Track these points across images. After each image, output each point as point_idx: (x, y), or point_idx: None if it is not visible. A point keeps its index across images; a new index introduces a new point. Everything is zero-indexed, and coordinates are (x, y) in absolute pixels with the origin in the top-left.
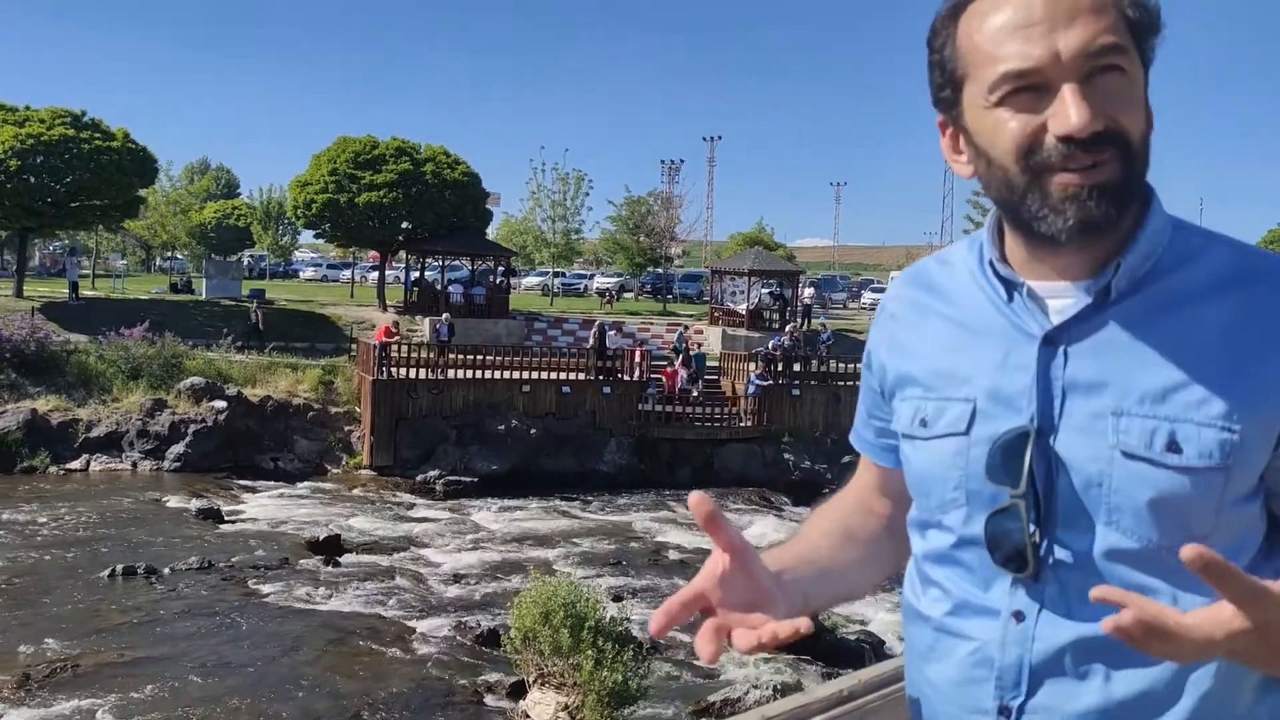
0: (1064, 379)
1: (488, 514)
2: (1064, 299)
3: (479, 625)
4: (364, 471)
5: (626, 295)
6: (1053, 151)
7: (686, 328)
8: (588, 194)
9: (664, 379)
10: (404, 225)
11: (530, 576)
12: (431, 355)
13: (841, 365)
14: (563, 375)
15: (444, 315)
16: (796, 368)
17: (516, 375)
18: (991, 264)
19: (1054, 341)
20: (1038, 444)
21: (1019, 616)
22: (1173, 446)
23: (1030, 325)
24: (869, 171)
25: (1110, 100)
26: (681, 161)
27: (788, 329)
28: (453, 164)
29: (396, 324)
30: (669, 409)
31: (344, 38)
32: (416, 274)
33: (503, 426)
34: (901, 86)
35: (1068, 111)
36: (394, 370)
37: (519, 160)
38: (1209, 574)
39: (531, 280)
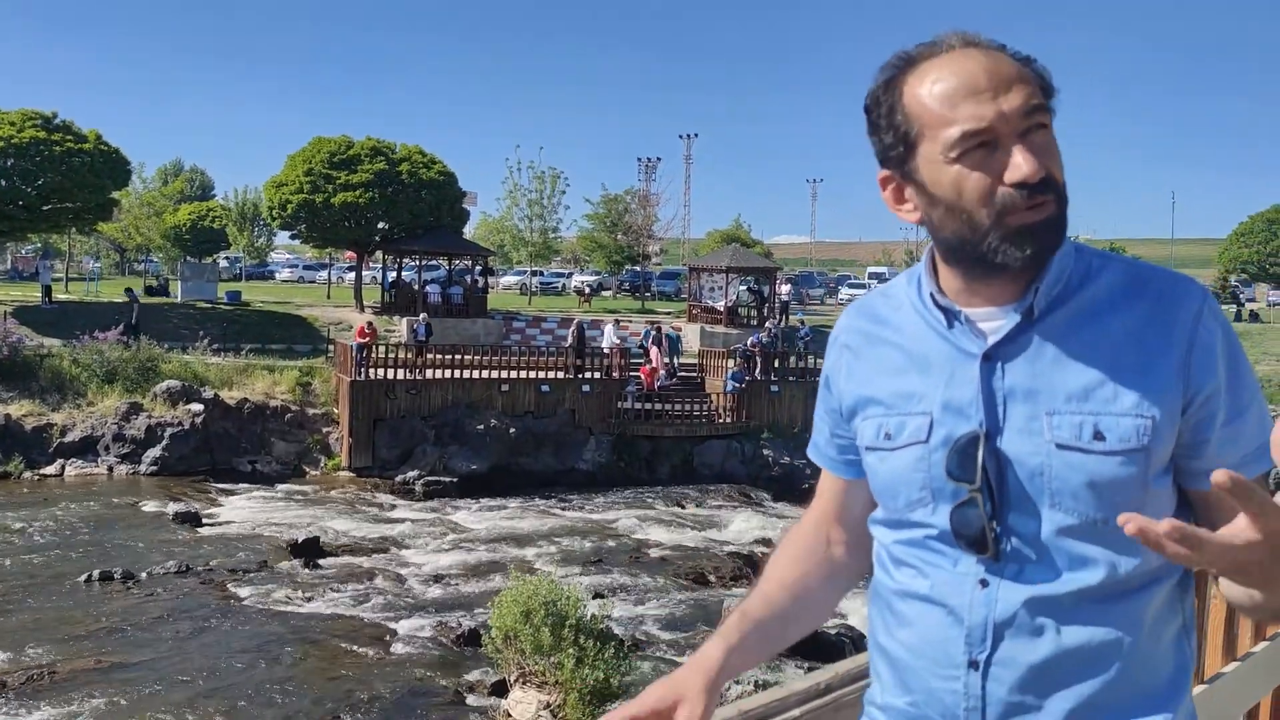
0: (1004, 389)
1: (468, 514)
2: (995, 321)
3: (460, 625)
4: (343, 473)
5: (605, 293)
6: (1011, 196)
7: (658, 326)
8: (564, 192)
9: (642, 377)
10: (380, 225)
11: (510, 576)
12: (409, 355)
13: (820, 361)
14: (542, 374)
15: (421, 315)
16: (775, 364)
17: (495, 375)
18: (932, 296)
19: (991, 358)
20: (987, 445)
21: (984, 584)
22: (1098, 435)
23: (970, 346)
24: (845, 168)
25: (1044, 153)
26: (659, 159)
27: (766, 325)
28: (429, 163)
29: (372, 324)
30: (648, 406)
31: (318, 38)
32: (393, 274)
33: (482, 426)
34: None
35: (1020, 162)
36: (372, 371)
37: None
38: (1236, 494)
39: (509, 279)
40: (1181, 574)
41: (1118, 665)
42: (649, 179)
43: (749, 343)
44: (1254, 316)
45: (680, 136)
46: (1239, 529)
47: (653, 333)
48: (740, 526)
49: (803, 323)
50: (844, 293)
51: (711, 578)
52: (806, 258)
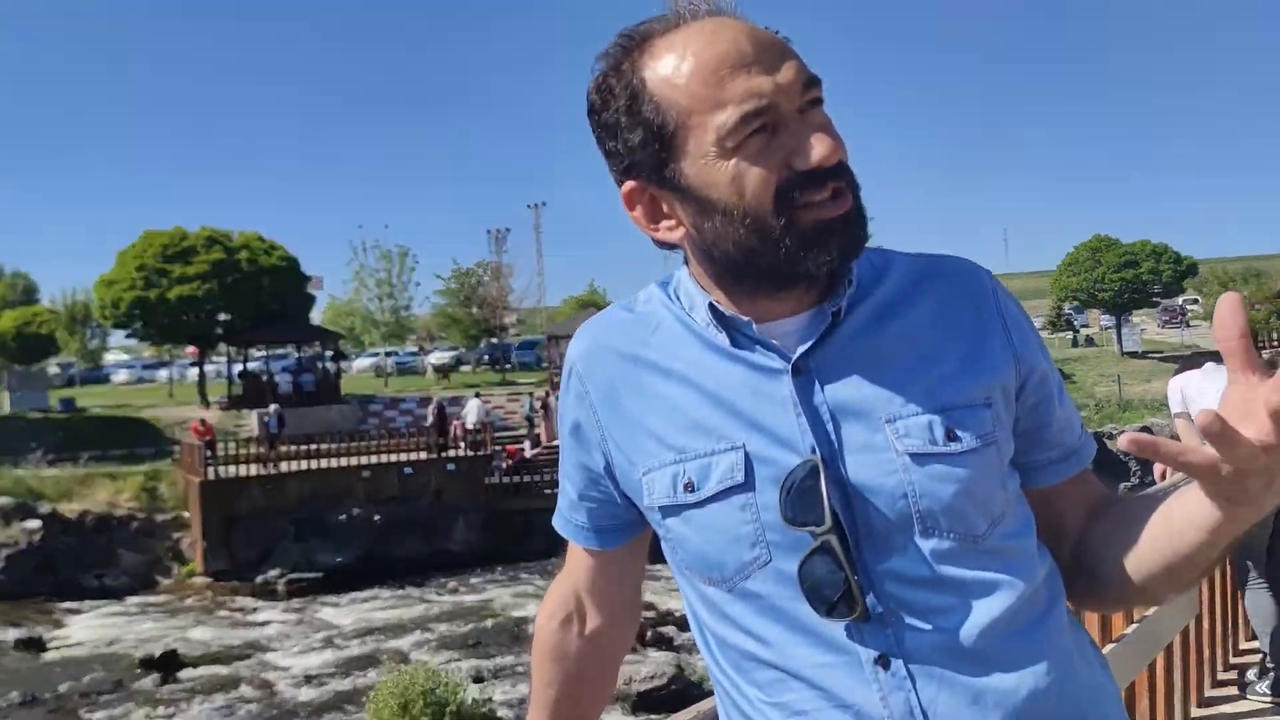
0: (828, 403)
1: (336, 609)
2: (792, 329)
3: None
4: (198, 579)
5: (464, 368)
6: (805, 188)
7: (532, 394)
8: (413, 269)
9: (507, 452)
10: (221, 317)
11: (385, 668)
12: (261, 449)
13: None
14: (403, 456)
15: (272, 406)
16: None
17: (354, 461)
18: (714, 308)
19: (802, 371)
20: (828, 475)
21: (884, 662)
22: (951, 435)
23: (772, 361)
24: None
25: (829, 130)
26: (508, 230)
27: None
28: (268, 249)
29: (205, 421)
30: (517, 479)
31: (139, 128)
32: (240, 366)
33: (344, 516)
34: None
35: (813, 144)
36: (222, 469)
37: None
38: (1165, 461)
39: (364, 362)
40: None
41: (1073, 708)
42: (500, 250)
43: None
44: (1089, 341)
45: (528, 206)
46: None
47: (535, 403)
48: None
49: None
50: None
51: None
52: None
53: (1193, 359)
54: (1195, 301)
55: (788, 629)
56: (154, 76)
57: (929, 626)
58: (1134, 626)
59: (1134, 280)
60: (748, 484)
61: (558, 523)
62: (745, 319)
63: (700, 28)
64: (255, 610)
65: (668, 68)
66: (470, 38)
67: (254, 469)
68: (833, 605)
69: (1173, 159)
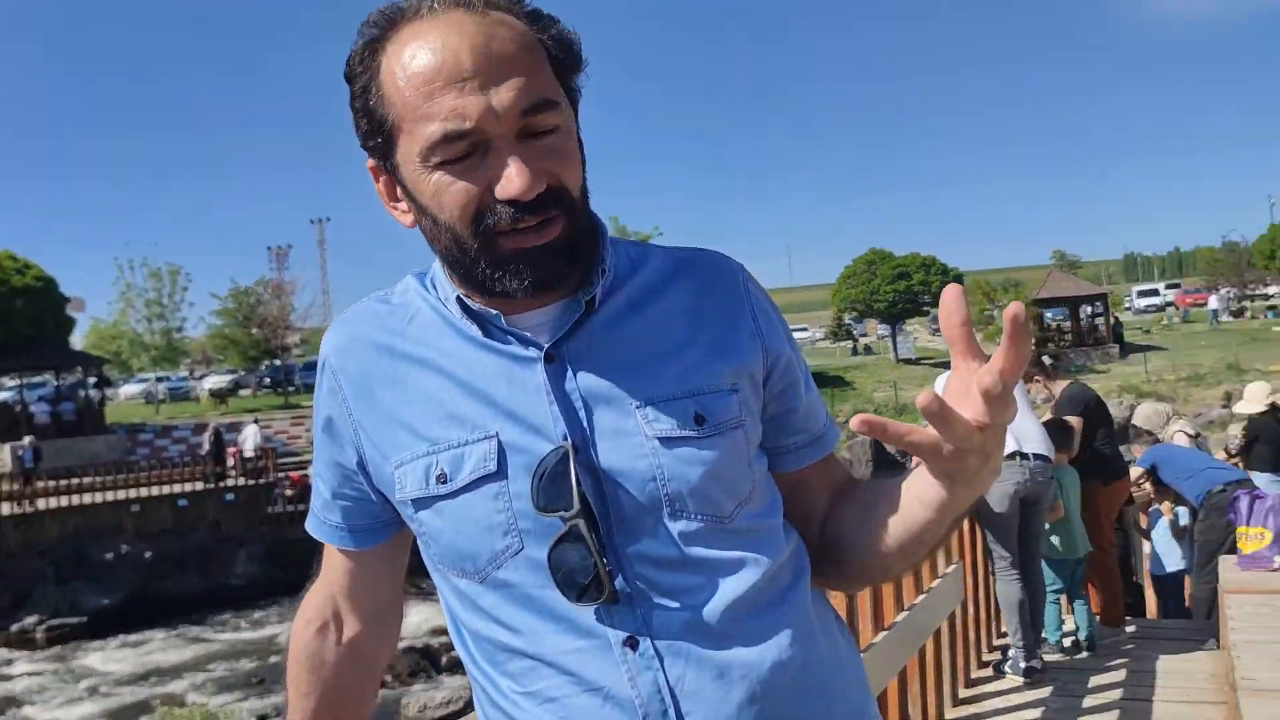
0: (580, 391)
1: (103, 655)
2: (545, 320)
3: None
4: None
5: (243, 392)
6: (501, 215)
7: None
8: (186, 289)
9: (290, 479)
10: None
11: (158, 715)
12: (15, 486)
13: None
14: (177, 488)
15: (26, 439)
16: None
17: (122, 495)
18: (460, 300)
19: (555, 359)
20: (580, 461)
21: (632, 644)
22: (699, 419)
23: (525, 351)
24: None
25: (549, 158)
26: (290, 246)
27: None
28: (21, 269)
29: None
30: (303, 507)
31: None
32: None
33: (111, 554)
34: None
35: (511, 176)
36: None
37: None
38: (894, 442)
39: (132, 388)
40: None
41: (816, 679)
42: (281, 267)
43: None
44: (867, 349)
45: (311, 221)
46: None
47: None
48: (413, 619)
49: None
50: None
51: (388, 677)
52: None
53: (1040, 365)
54: None
55: (539, 617)
56: None
57: (677, 606)
58: (904, 615)
59: (906, 291)
60: (500, 473)
61: (311, 525)
62: (494, 312)
63: (435, 26)
64: (10, 662)
65: (397, 64)
66: (246, 43)
67: (6, 508)
68: (583, 590)
69: (941, 175)
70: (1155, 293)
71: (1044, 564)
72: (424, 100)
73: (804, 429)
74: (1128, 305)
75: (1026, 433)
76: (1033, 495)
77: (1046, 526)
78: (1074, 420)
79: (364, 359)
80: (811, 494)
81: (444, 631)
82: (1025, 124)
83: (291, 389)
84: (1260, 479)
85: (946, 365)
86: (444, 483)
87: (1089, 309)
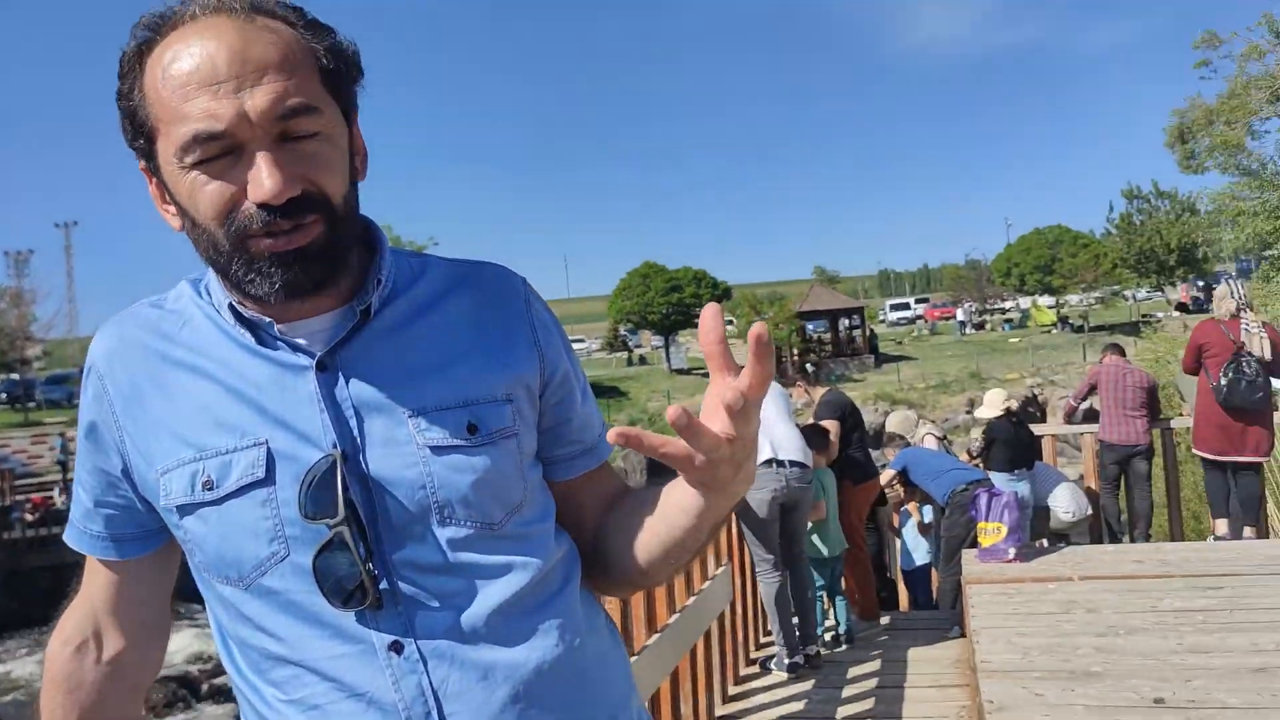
0: (352, 400)
1: None
2: (320, 328)
3: None
4: None
5: None
6: (254, 217)
7: (64, 434)
8: None
9: (31, 502)
10: None
11: None
12: None
13: None
14: None
15: None
16: None
17: None
18: (233, 307)
19: (328, 367)
20: (350, 469)
21: (397, 648)
22: (472, 428)
23: (297, 359)
24: None
25: (307, 163)
26: (31, 252)
27: None
28: None
29: None
30: (45, 532)
31: None
32: None
33: None
34: None
35: (262, 179)
36: None
37: None
38: (651, 453)
39: None
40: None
41: (581, 679)
42: (20, 274)
43: None
44: (642, 360)
45: (56, 225)
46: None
47: (70, 444)
48: (171, 647)
49: None
50: None
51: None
52: None
53: (804, 371)
54: (730, 322)
55: (305, 623)
56: None
57: (443, 609)
58: (675, 616)
59: (679, 303)
60: (268, 480)
61: (70, 535)
62: (267, 319)
63: (196, 30)
64: None
65: (158, 67)
66: None
67: None
68: (348, 596)
69: (712, 193)
70: (907, 306)
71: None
72: (180, 102)
73: (578, 440)
74: (882, 318)
75: (784, 440)
76: (791, 500)
77: (809, 527)
78: (831, 425)
79: (133, 364)
80: (584, 502)
81: (204, 659)
82: (788, 147)
83: (32, 404)
84: (998, 478)
85: None
86: (210, 489)
87: (847, 321)
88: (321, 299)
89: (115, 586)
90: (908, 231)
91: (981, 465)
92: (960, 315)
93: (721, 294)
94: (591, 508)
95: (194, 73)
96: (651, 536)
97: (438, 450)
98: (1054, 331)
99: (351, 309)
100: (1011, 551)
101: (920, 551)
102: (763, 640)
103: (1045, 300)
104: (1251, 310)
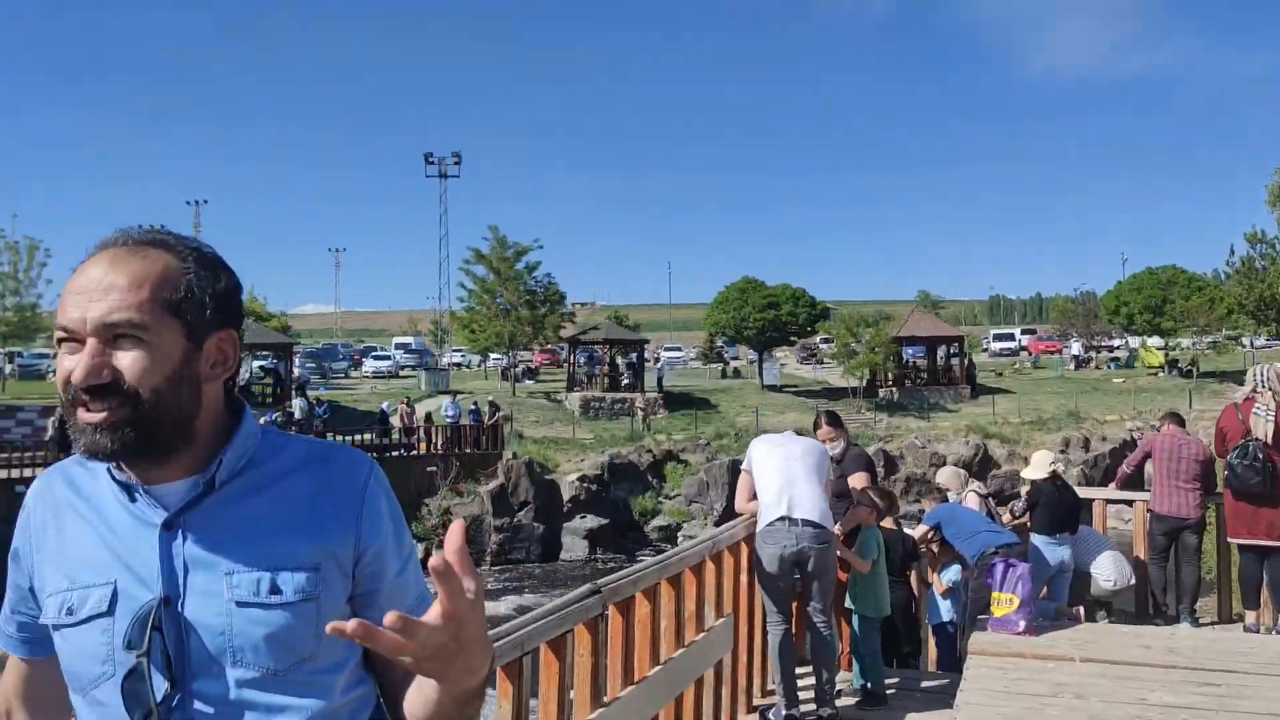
0: (184, 555)
1: None
2: (176, 491)
3: None
4: None
5: None
6: (74, 392)
7: None
8: (45, 264)
9: None
10: None
11: None
12: None
13: (341, 438)
14: (16, 473)
15: None
16: None
17: None
18: (109, 471)
19: (173, 526)
20: (169, 612)
21: None
22: (274, 589)
23: (151, 516)
24: (368, 239)
25: (122, 362)
26: (163, 227)
27: (290, 403)
28: None
29: None
30: None
31: None
32: None
33: None
34: (393, 149)
35: (74, 365)
36: None
37: None
38: (405, 632)
39: None
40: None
41: None
42: None
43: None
44: (737, 373)
45: (188, 203)
46: (434, 616)
47: None
48: None
49: (319, 400)
50: (368, 364)
51: None
52: (332, 328)
53: (833, 417)
54: (828, 340)
55: None
56: None
57: None
58: (656, 669)
59: (775, 320)
60: (109, 612)
61: None
62: (135, 481)
63: (93, 257)
64: None
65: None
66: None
67: None
68: (145, 715)
69: (816, 207)
70: (1011, 337)
71: (856, 620)
72: (62, 302)
73: (386, 608)
74: (984, 347)
75: (803, 500)
76: (803, 558)
77: (857, 584)
78: (861, 479)
79: (47, 508)
80: (385, 659)
81: None
82: (901, 166)
83: None
84: (1039, 540)
85: (809, 394)
86: (70, 615)
87: (945, 349)
88: (173, 467)
89: (24, 677)
90: (1022, 257)
91: (1028, 524)
92: (1076, 349)
93: (819, 314)
94: (393, 664)
95: (71, 286)
96: (419, 697)
97: (241, 604)
98: (1160, 375)
99: (199, 479)
100: (1021, 624)
101: (945, 606)
102: (769, 686)
103: (1155, 341)
104: (1272, 393)
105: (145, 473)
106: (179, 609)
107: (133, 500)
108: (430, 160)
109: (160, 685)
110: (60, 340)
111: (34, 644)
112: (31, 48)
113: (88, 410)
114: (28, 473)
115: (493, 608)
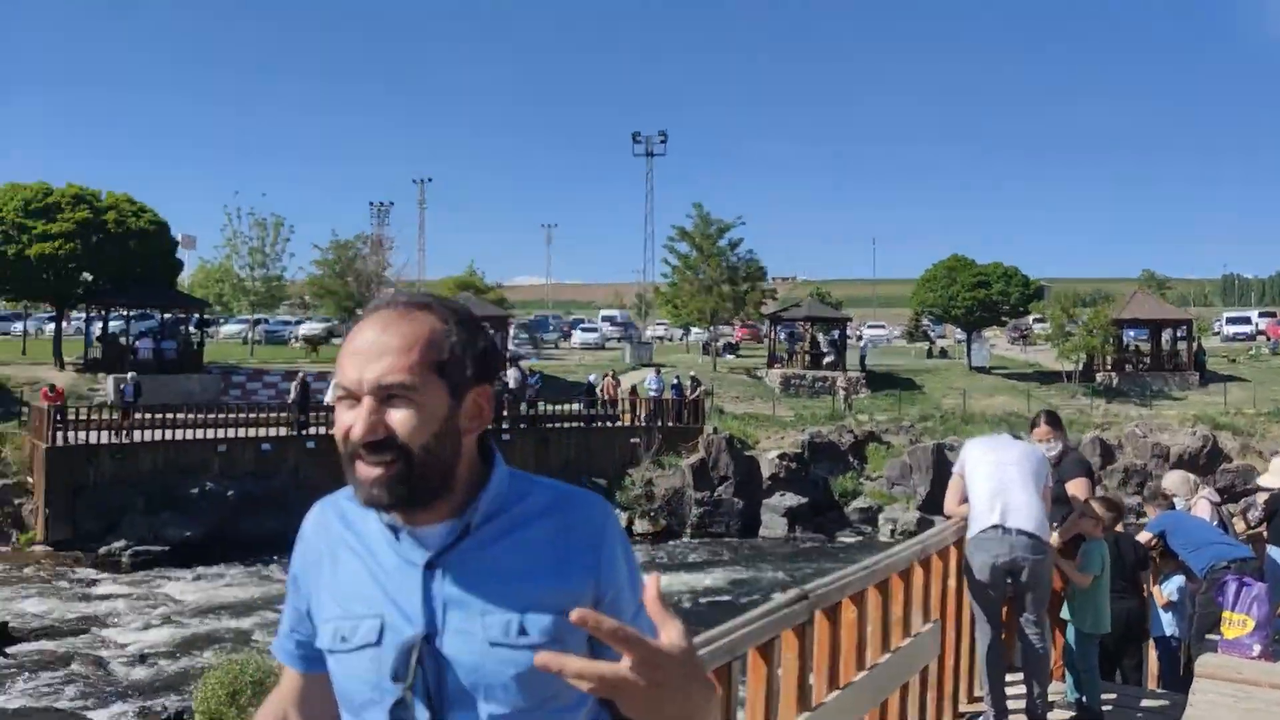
0: (443, 595)
1: (181, 584)
2: (437, 533)
3: (165, 709)
4: (38, 548)
5: (336, 341)
6: (352, 447)
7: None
8: (288, 239)
9: None
10: (84, 277)
11: (219, 652)
12: (115, 417)
13: (551, 407)
14: (263, 431)
15: (130, 374)
16: (504, 412)
17: (211, 434)
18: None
19: (433, 566)
20: (428, 647)
21: None
22: (522, 631)
23: (415, 556)
24: (577, 215)
25: (394, 419)
26: (391, 203)
27: (506, 373)
28: (138, 212)
29: (56, 386)
30: None
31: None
32: (99, 328)
33: (197, 490)
34: (604, 130)
35: (354, 422)
36: (71, 435)
37: (214, 207)
38: (603, 636)
39: (232, 328)
40: None
41: None
42: (381, 224)
43: None
44: (943, 353)
45: (414, 181)
46: (660, 641)
47: None
48: None
49: (532, 370)
50: (577, 336)
51: None
52: (544, 300)
53: (1053, 417)
54: (1041, 320)
55: None
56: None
57: None
58: (862, 674)
59: (985, 299)
60: (379, 643)
61: (274, 646)
62: (401, 525)
63: (366, 318)
64: (95, 583)
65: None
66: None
67: (106, 437)
68: None
69: (1029, 182)
70: (1247, 320)
71: (1073, 634)
72: (341, 362)
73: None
74: (1216, 331)
75: (1019, 508)
76: (1016, 568)
77: (1075, 597)
78: (1080, 485)
79: (322, 539)
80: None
81: None
82: (1128, 132)
83: None
84: (1277, 554)
85: (1020, 376)
86: (343, 641)
87: (1171, 333)
88: (434, 511)
89: (300, 689)
90: (1259, 233)
91: (1265, 534)
92: None
93: (1033, 293)
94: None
95: (348, 347)
96: None
97: (494, 644)
98: None
99: (457, 524)
100: (1256, 648)
101: (1169, 619)
102: (976, 693)
103: None
104: None
105: (411, 517)
106: (438, 645)
107: (398, 539)
108: (638, 139)
109: (423, 716)
110: (339, 398)
111: (309, 660)
112: (276, 43)
113: (365, 464)
114: (272, 432)
115: (695, 579)
